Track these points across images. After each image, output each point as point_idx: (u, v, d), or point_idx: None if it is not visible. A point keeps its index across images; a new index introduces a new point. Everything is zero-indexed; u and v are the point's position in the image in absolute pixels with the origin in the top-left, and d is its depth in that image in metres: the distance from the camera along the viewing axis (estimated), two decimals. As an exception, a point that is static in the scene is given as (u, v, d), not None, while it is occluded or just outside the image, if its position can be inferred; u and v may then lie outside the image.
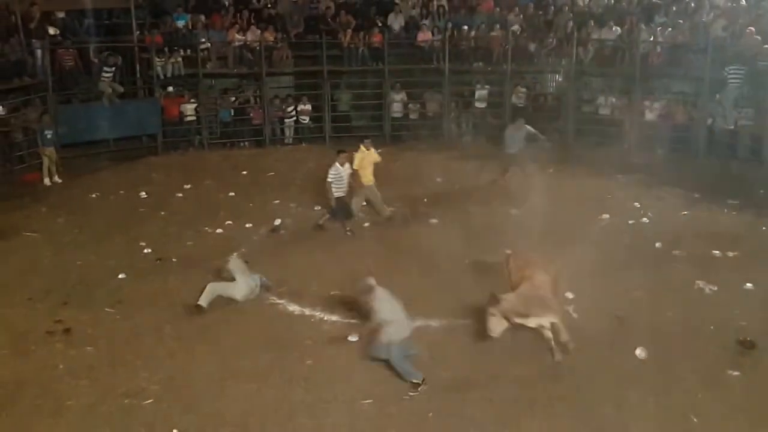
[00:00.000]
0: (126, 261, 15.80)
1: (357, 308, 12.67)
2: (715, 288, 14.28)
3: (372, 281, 11.98)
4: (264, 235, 17.50)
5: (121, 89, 24.70)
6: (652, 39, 25.50)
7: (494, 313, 11.15)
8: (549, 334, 11.56)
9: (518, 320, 11.34)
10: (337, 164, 17.30)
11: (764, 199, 19.58)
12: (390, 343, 11.34)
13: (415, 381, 11.06)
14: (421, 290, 14.02)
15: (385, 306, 11.61)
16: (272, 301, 14.01)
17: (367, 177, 18.06)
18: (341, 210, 17.47)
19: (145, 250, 16.44)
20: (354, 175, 17.75)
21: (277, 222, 18.10)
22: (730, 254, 16.02)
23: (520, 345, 12.05)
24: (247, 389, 10.96)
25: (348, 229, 17.46)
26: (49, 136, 21.85)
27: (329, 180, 17.18)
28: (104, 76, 24.17)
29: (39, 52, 23.55)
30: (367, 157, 18.08)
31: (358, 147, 18.10)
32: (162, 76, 25.46)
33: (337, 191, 17.32)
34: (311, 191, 20.21)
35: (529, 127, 20.73)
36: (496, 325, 11.21)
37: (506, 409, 10.43)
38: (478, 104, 27.55)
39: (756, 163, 22.16)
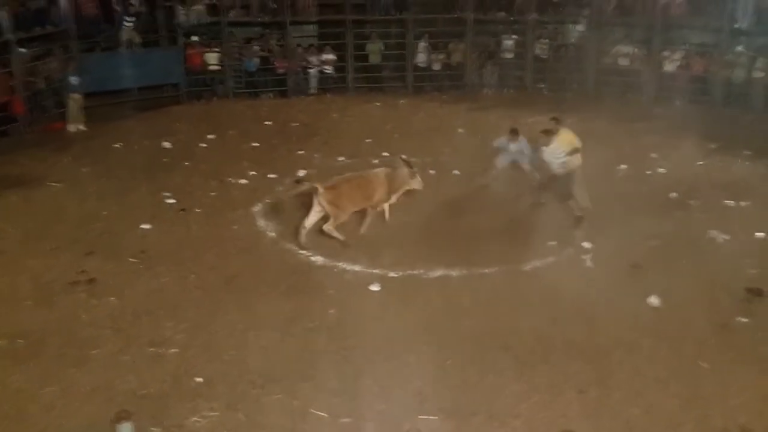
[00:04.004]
0: (150, 211, 15.84)
1: None
2: (728, 237, 14.45)
3: None
4: (288, 186, 17.44)
5: (139, 40, 24.81)
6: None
7: None
8: None
9: None
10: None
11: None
12: None
13: None
14: (443, 242, 14.21)
15: None
16: (295, 251, 14.03)
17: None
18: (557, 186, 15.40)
19: (169, 201, 16.46)
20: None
21: (301, 173, 18.11)
22: (743, 204, 16.20)
23: (537, 294, 12.32)
24: (270, 338, 11.05)
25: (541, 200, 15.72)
26: (75, 83, 21.95)
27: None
28: (126, 25, 24.22)
29: (61, 0, 23.35)
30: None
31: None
32: (185, 25, 25.46)
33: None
34: (334, 143, 20.31)
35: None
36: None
37: (522, 356, 10.58)
38: (506, 55, 27.51)
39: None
